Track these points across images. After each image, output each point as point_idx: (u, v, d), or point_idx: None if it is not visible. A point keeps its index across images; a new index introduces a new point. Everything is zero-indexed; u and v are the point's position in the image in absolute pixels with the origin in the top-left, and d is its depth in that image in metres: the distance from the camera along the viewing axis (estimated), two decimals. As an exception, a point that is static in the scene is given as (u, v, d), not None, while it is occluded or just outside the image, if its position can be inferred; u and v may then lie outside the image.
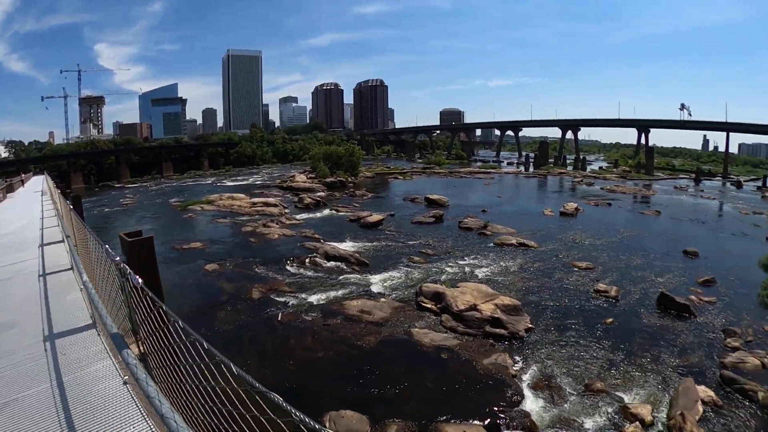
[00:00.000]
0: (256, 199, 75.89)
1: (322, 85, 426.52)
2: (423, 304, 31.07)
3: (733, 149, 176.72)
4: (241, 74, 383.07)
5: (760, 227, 61.53)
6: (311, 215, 66.56)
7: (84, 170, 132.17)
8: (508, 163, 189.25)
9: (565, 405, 20.15)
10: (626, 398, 20.67)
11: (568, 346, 25.68)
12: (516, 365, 23.40)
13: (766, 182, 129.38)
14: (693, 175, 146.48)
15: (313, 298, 33.04)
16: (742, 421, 19.45)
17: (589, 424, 19.01)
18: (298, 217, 64.48)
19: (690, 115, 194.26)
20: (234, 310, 30.93)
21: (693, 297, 33.03)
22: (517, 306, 29.62)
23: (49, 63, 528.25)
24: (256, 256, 44.03)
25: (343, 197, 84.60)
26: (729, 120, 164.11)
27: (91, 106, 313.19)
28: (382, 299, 32.64)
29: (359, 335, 27.22)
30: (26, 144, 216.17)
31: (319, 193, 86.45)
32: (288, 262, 41.83)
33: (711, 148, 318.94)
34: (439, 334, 26.95)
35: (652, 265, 41.94)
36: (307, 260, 42.01)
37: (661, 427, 18.85)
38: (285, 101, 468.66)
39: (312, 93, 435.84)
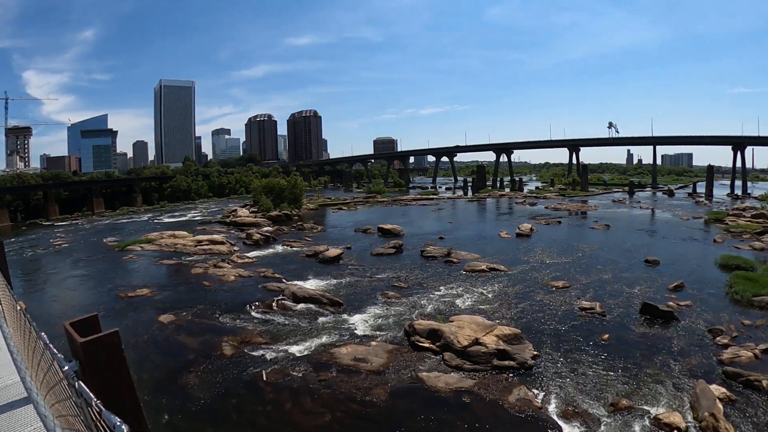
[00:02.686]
0: (200, 237, 70.76)
1: (256, 116, 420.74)
2: (419, 344, 29.18)
3: (657, 160, 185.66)
4: (174, 105, 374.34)
5: (702, 231, 69.77)
6: (263, 252, 62.51)
7: (10, 207, 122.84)
8: (447, 188, 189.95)
9: (602, 428, 20.06)
10: (652, 410, 21.04)
11: (577, 368, 25.78)
12: (538, 397, 22.78)
13: (696, 189, 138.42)
14: (626, 189, 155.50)
15: (295, 349, 29.53)
16: (760, 410, 20.80)
17: None
18: (249, 255, 60.25)
19: (617, 132, 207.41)
20: (206, 371, 26.65)
21: (671, 303, 34.88)
22: (518, 334, 28.92)
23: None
24: (214, 302, 39.97)
25: (291, 231, 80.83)
26: (655, 134, 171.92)
27: (18, 137, 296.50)
28: (373, 342, 30.14)
29: (364, 389, 24.23)
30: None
31: (265, 228, 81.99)
32: (253, 307, 38.02)
33: (635, 161, 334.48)
34: (452, 376, 25.20)
35: (620, 277, 44.07)
36: (273, 304, 38.29)
37: (695, 431, 19.36)
38: (218, 133, 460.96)
39: (245, 124, 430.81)
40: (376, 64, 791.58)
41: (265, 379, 25.54)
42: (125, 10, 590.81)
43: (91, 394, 5.23)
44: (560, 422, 20.55)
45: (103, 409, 4.83)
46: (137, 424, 9.85)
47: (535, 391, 23.23)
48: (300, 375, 25.94)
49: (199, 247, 64.66)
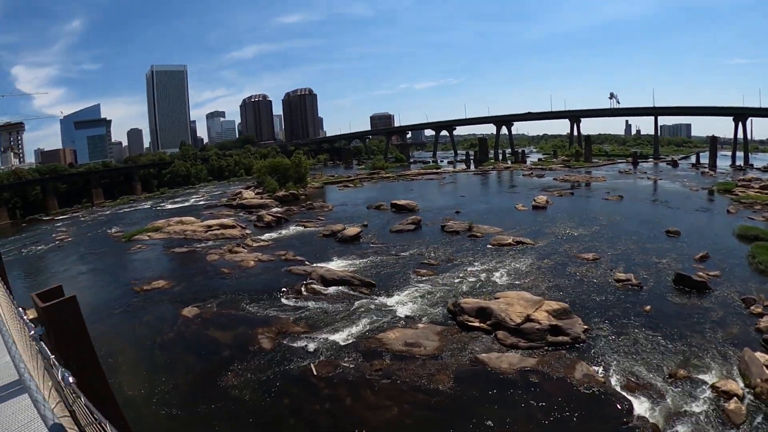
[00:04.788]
0: (209, 222, 68.19)
1: (250, 97, 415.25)
2: (469, 323, 27.99)
3: (653, 131, 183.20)
4: (167, 90, 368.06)
5: (715, 201, 69.38)
6: (277, 234, 60.23)
7: (8, 204, 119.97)
8: (448, 162, 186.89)
9: (667, 399, 19.96)
10: (707, 378, 21.18)
11: (628, 339, 25.56)
12: (599, 371, 22.45)
13: (699, 159, 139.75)
14: (630, 160, 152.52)
15: (338, 337, 27.53)
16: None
17: (697, 409, 19.25)
18: (263, 237, 58.08)
19: (618, 103, 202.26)
20: (247, 369, 24.27)
21: (701, 273, 34.38)
22: (566, 309, 28.30)
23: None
24: (238, 290, 37.68)
25: (301, 211, 78.48)
26: (656, 105, 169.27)
27: (11, 133, 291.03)
28: (419, 325, 28.86)
29: (425, 376, 22.71)
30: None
31: (275, 209, 79.73)
32: (281, 293, 35.92)
33: (633, 132, 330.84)
34: (513, 356, 24.27)
35: (646, 248, 43.58)
36: (302, 289, 36.34)
37: (752, 397, 19.60)
38: (212, 116, 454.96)
39: (240, 106, 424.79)
40: (368, 40, 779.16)
41: (315, 373, 23.40)
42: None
43: (49, 352, 5.98)
44: (627, 395, 20.31)
45: (57, 364, 5.58)
46: (97, 380, 10.63)
47: (595, 366, 22.77)
48: (352, 366, 23.92)
49: (209, 232, 62.22)
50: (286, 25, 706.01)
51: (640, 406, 19.58)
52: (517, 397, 20.56)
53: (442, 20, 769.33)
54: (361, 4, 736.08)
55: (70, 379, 5.39)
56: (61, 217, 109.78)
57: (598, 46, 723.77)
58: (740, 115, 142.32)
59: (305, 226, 63.93)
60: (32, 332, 6.50)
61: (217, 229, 63.18)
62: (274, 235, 59.91)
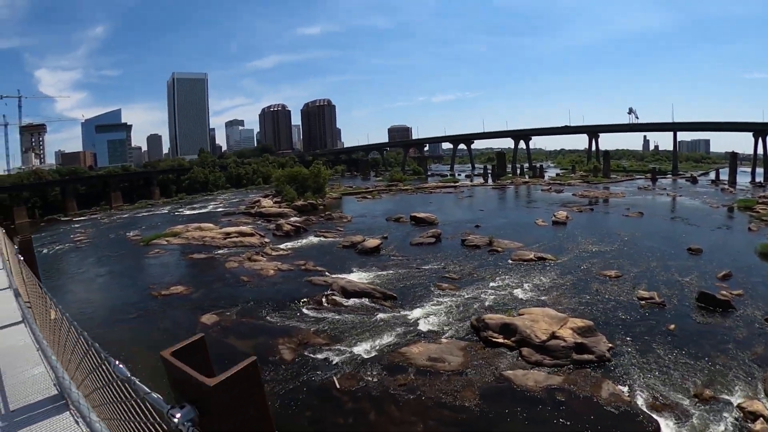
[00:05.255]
0: (228, 229, 68.15)
1: (269, 106, 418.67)
2: (493, 339, 27.55)
3: (671, 147, 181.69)
4: (187, 97, 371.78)
5: (735, 218, 69.76)
6: (296, 243, 59.87)
7: (27, 203, 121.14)
8: (466, 176, 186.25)
9: (693, 420, 19.64)
10: (733, 399, 20.87)
11: (652, 358, 25.15)
12: (625, 390, 22.07)
13: (719, 176, 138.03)
14: (649, 176, 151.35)
15: (360, 350, 27.03)
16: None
17: (723, 429, 19.00)
18: (282, 246, 57.73)
19: (637, 118, 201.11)
20: (268, 379, 23.61)
21: (724, 292, 33.74)
22: (590, 326, 27.76)
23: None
24: (257, 299, 37.23)
25: (320, 221, 78.14)
26: (675, 120, 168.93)
27: (33, 134, 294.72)
28: (443, 340, 28.31)
29: (451, 392, 22.20)
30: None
31: (293, 219, 79.63)
32: (302, 304, 35.42)
33: (651, 147, 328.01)
34: (540, 374, 23.79)
35: (668, 265, 42.82)
36: (323, 300, 35.76)
37: None
38: (231, 124, 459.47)
39: (259, 115, 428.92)
40: (386, 52, 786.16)
41: (338, 386, 22.88)
42: (132, 6, 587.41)
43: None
44: (653, 415, 19.99)
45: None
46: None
47: (621, 385, 22.44)
48: (376, 380, 23.43)
49: (228, 239, 62.07)
50: (306, 36, 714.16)
51: (667, 427, 19.31)
52: (545, 416, 20.09)
53: (460, 33, 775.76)
54: (380, 17, 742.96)
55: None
56: (79, 219, 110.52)
57: (615, 60, 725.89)
58: (761, 131, 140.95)
59: (324, 237, 63.48)
60: (178, 416, 4.26)
61: (236, 237, 63.04)
62: (293, 244, 59.51)
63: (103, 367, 5.21)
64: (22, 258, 13.74)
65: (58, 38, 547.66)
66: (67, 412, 6.05)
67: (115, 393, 4.99)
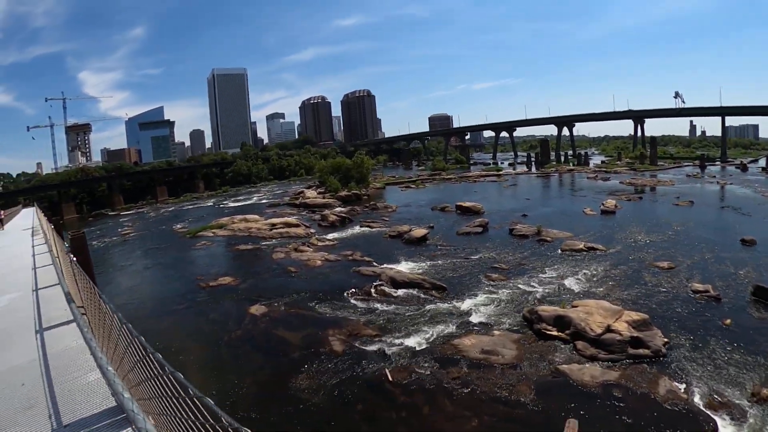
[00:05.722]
0: (274, 220, 68.37)
1: (309, 99, 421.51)
2: (546, 332, 26.76)
3: (719, 133, 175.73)
4: (228, 93, 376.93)
5: None
6: (342, 234, 59.59)
7: (75, 199, 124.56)
8: (509, 164, 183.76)
9: (750, 420, 18.87)
10: None
11: (708, 354, 24.26)
12: (681, 387, 21.33)
13: None
14: (697, 163, 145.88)
15: (411, 342, 26.40)
16: None
17: None
18: (328, 237, 57.56)
19: (684, 102, 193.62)
20: (318, 371, 23.33)
21: None
22: (646, 320, 26.75)
23: (33, 94, 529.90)
24: (305, 289, 36.91)
25: (365, 211, 77.81)
26: (723, 104, 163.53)
27: (78, 134, 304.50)
28: (495, 332, 27.58)
29: (505, 386, 21.53)
30: (14, 176, 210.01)
31: (338, 209, 79.54)
32: (350, 294, 34.99)
33: (698, 133, 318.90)
34: (596, 368, 23.09)
35: (721, 257, 41.02)
36: (372, 290, 35.26)
37: None
38: (272, 118, 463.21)
39: (299, 108, 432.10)
40: (424, 41, 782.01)
41: (390, 379, 22.30)
42: (170, 5, 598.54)
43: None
44: (711, 415, 19.27)
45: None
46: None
47: (677, 382, 21.70)
48: (428, 373, 22.80)
49: (274, 230, 62.18)
50: (343, 27, 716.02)
51: (724, 427, 18.67)
52: (603, 413, 19.45)
53: (498, 20, 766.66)
54: (417, 6, 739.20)
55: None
56: (126, 213, 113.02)
57: (659, 43, 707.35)
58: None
59: (370, 227, 63.10)
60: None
61: (282, 228, 63.12)
62: (339, 234, 59.25)
63: (156, 370, 5.03)
64: (74, 258, 13.05)
65: (98, 41, 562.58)
66: (129, 429, 5.69)
67: (169, 401, 4.74)
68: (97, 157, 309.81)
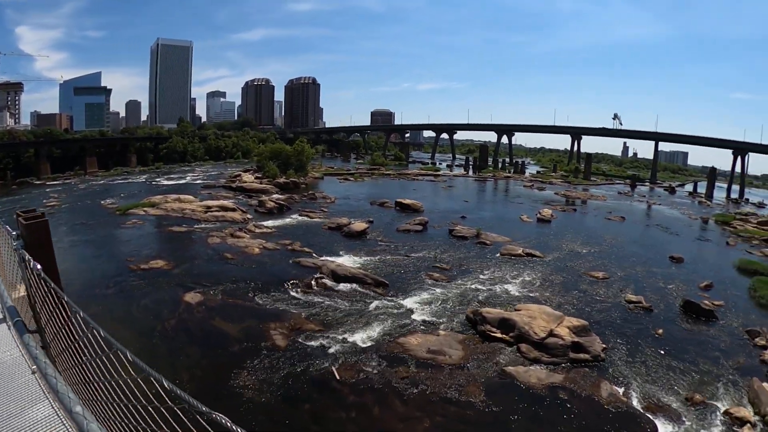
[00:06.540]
0: (209, 202, 66.16)
1: (253, 80, 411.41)
2: (491, 334, 27.53)
3: (650, 155, 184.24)
4: (170, 65, 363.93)
5: (713, 231, 71.10)
6: (280, 222, 58.34)
7: (0, 164, 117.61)
8: (447, 166, 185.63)
9: (686, 422, 20.43)
10: (720, 404, 21.89)
11: (644, 361, 25.94)
12: (621, 391, 22.68)
13: (696, 188, 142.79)
14: (628, 182, 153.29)
15: (356, 338, 26.19)
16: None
17: None
18: (266, 224, 55.97)
19: (621, 124, 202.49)
20: (261, 367, 22.42)
21: (707, 302, 34.99)
22: (585, 326, 28.23)
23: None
24: (244, 278, 35.78)
25: (303, 200, 76.64)
26: (659, 130, 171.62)
27: (9, 93, 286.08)
28: (441, 331, 28.11)
29: (454, 387, 21.95)
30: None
31: (275, 195, 77.53)
32: (290, 286, 34.17)
33: (630, 154, 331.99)
34: (541, 371, 24.17)
35: (652, 272, 43.82)
36: (313, 283, 34.71)
37: (762, 425, 20.26)
38: (213, 96, 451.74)
39: (242, 88, 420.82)
40: (376, 35, 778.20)
41: (338, 377, 21.84)
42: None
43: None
44: (650, 416, 20.64)
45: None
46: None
47: (617, 386, 23.05)
48: (376, 372, 22.59)
49: (209, 213, 60.21)
50: (297, 11, 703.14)
51: (664, 429, 19.99)
52: (550, 415, 20.37)
53: (453, 24, 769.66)
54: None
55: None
56: (52, 183, 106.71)
57: (604, 65, 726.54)
58: (740, 149, 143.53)
59: (309, 216, 62.18)
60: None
61: (217, 211, 61.21)
62: (277, 222, 58.01)
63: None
64: (32, 261, 8.76)
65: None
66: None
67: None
68: (26, 120, 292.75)
